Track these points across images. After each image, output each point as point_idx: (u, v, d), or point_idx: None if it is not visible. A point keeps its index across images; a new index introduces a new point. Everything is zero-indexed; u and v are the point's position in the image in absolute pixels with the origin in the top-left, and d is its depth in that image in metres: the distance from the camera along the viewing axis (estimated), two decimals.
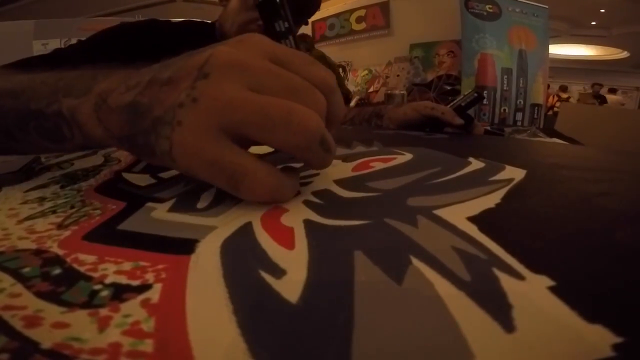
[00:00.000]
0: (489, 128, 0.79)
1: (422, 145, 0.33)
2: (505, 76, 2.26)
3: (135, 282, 0.11)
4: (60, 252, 0.14)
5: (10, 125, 0.24)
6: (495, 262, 0.12)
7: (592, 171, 0.27)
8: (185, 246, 0.14)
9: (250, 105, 0.17)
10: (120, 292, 0.11)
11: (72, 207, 0.19)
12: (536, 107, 2.40)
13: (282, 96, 0.17)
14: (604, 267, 0.12)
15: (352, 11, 2.72)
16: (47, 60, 0.56)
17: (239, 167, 0.17)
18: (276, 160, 0.21)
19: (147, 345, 0.09)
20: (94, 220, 0.17)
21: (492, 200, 0.18)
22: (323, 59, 1.03)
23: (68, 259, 0.13)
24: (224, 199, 0.19)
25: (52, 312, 0.10)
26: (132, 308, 0.10)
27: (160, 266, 0.12)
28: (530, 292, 0.10)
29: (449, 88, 2.21)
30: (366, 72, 2.68)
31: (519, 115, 2.32)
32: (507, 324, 0.09)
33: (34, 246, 0.14)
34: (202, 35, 0.69)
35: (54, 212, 0.18)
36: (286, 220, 0.16)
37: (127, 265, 0.13)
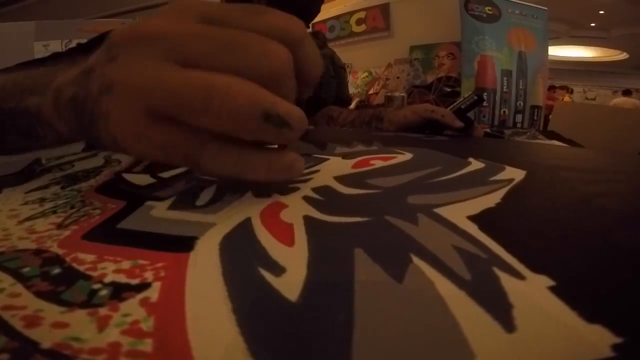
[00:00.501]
0: (488, 130, 0.80)
1: (422, 146, 0.33)
2: (505, 78, 2.26)
3: (134, 281, 0.11)
4: (60, 251, 0.14)
5: None
6: (495, 261, 0.12)
7: (592, 172, 0.27)
8: (184, 244, 0.14)
9: (163, 87, 0.14)
10: (119, 291, 0.11)
11: (72, 207, 0.19)
12: (536, 109, 2.40)
13: (213, 61, 0.14)
14: (603, 267, 0.12)
15: (352, 13, 2.72)
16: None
17: (192, 144, 0.15)
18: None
19: (147, 345, 0.09)
20: (93, 219, 0.17)
21: (492, 199, 0.18)
22: (331, 59, 1.02)
23: (67, 259, 0.13)
24: (224, 196, 0.19)
25: (51, 311, 0.10)
26: (131, 307, 0.10)
27: (159, 264, 0.12)
28: (531, 291, 0.10)
29: (448, 90, 2.21)
30: (366, 74, 2.67)
31: (519, 117, 2.32)
32: (508, 324, 0.09)
33: (34, 246, 0.14)
34: None
35: (54, 212, 0.18)
36: (286, 216, 0.16)
37: (126, 264, 0.12)
